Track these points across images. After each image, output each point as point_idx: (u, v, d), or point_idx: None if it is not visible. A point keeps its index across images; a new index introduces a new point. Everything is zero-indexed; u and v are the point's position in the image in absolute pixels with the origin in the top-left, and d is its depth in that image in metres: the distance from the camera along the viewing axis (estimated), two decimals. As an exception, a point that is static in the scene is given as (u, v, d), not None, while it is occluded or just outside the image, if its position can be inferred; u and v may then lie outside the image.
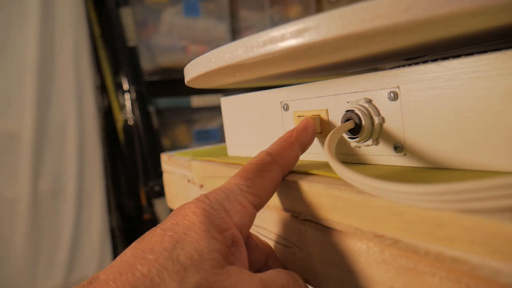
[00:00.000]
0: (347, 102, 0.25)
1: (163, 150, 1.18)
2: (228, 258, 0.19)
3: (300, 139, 0.25)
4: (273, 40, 0.20)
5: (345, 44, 0.19)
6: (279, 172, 0.23)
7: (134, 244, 0.19)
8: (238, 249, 0.20)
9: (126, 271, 0.17)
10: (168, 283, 0.17)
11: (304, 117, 0.27)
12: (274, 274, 0.20)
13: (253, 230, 0.29)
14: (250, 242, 0.24)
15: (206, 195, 0.21)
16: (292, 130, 0.26)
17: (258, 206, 0.22)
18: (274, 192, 0.23)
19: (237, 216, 0.20)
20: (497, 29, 0.20)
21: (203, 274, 0.17)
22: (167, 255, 0.17)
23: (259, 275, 0.20)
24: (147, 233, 0.20)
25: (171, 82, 1.29)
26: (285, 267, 0.26)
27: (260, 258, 0.24)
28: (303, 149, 0.26)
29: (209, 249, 0.18)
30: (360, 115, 0.24)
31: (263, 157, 0.23)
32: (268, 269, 0.24)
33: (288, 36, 0.19)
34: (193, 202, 0.20)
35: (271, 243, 0.27)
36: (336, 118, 0.26)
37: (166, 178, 0.48)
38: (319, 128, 0.27)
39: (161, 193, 1.15)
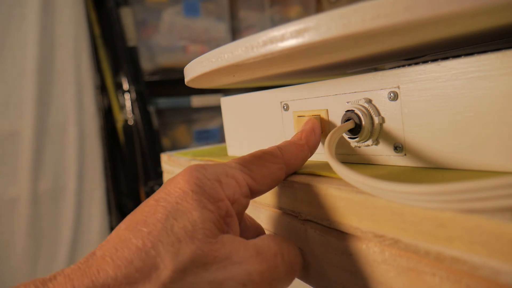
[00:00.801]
0: (347, 102, 0.25)
1: (163, 150, 1.18)
2: (221, 227, 0.19)
3: (310, 142, 0.25)
4: (273, 40, 0.20)
5: (345, 44, 0.19)
6: (282, 168, 0.23)
7: (128, 216, 0.19)
8: (231, 220, 0.20)
9: (122, 246, 0.17)
10: (163, 255, 0.17)
11: (309, 118, 0.27)
12: (267, 239, 0.21)
13: (253, 230, 0.29)
14: (241, 223, 0.23)
15: (202, 164, 0.20)
16: (302, 132, 0.25)
17: (254, 191, 0.21)
18: (273, 186, 0.23)
19: (230, 190, 0.20)
20: (497, 29, 0.20)
21: (198, 243, 0.17)
22: (161, 227, 0.17)
23: (253, 241, 0.20)
24: (141, 204, 0.20)
25: (171, 82, 1.29)
26: None
27: (251, 236, 0.24)
28: (312, 151, 0.25)
29: (202, 219, 0.18)
30: (360, 115, 0.24)
31: (272, 150, 0.23)
32: None
33: (288, 36, 0.19)
34: (186, 170, 0.20)
35: (271, 243, 0.27)
36: (336, 118, 0.26)
37: (166, 178, 0.48)
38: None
39: (161, 193, 1.15)
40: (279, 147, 0.23)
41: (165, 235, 0.17)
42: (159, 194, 0.19)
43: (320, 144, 0.28)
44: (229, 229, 0.19)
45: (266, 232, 0.27)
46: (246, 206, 0.21)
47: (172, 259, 0.17)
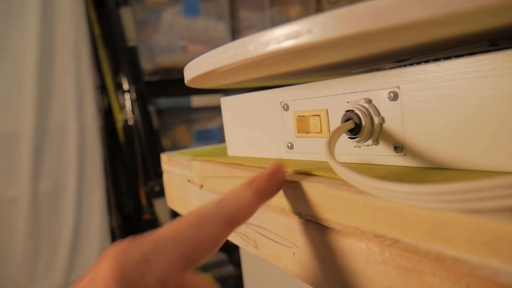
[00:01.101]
0: (347, 102, 0.25)
1: (163, 150, 1.18)
2: None
3: (260, 191, 0.22)
4: (273, 41, 0.20)
5: (342, 45, 0.19)
6: (223, 227, 0.20)
7: None
8: None
9: None
10: None
11: (277, 161, 0.24)
12: None
13: (253, 230, 0.29)
14: None
15: (127, 246, 0.18)
16: (253, 180, 0.22)
17: (194, 259, 0.19)
18: (215, 249, 0.20)
19: (160, 270, 0.18)
20: (497, 29, 0.20)
21: None
22: None
23: None
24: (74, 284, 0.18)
25: (171, 82, 1.29)
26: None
27: None
28: (263, 201, 0.22)
29: None
30: (360, 115, 0.24)
31: (209, 208, 0.21)
32: None
33: (288, 37, 0.19)
34: (109, 254, 0.18)
35: (271, 243, 0.27)
36: (336, 118, 0.26)
37: (166, 178, 0.48)
38: (319, 128, 0.27)
39: (161, 193, 1.15)
40: (219, 203, 0.21)
41: None
42: (86, 278, 0.18)
43: (320, 144, 0.28)
44: None
45: (266, 232, 0.27)
46: (183, 277, 0.19)
47: None
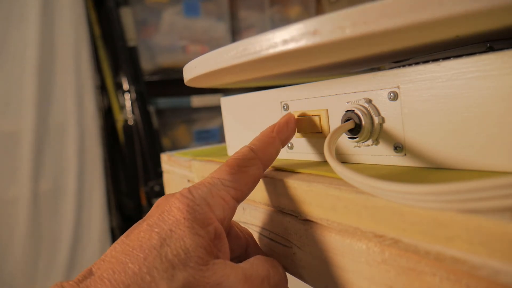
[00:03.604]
0: (347, 102, 0.25)
1: (163, 150, 1.18)
2: (212, 251, 0.20)
3: (281, 134, 0.26)
4: (273, 42, 0.20)
5: (344, 47, 0.19)
6: (260, 168, 0.24)
7: (122, 238, 0.20)
8: (221, 241, 0.21)
9: (119, 269, 0.18)
10: (158, 281, 0.18)
11: (288, 113, 0.28)
12: (255, 263, 0.22)
13: (253, 230, 0.29)
14: (232, 232, 0.25)
15: (189, 190, 0.21)
16: (274, 126, 0.26)
17: (240, 199, 0.23)
18: (255, 186, 0.24)
19: (219, 210, 0.21)
20: (497, 30, 0.20)
21: (190, 271, 0.18)
22: (156, 253, 0.18)
23: (241, 266, 0.21)
24: (134, 227, 0.21)
25: (171, 82, 1.29)
26: (264, 254, 0.27)
27: (240, 247, 0.25)
28: (283, 144, 0.26)
29: (194, 246, 0.19)
30: (360, 115, 0.24)
31: (246, 153, 0.24)
32: (248, 256, 0.25)
33: (287, 39, 0.19)
34: (177, 198, 0.21)
35: (271, 243, 0.27)
36: (336, 118, 0.26)
37: (166, 178, 0.48)
38: (319, 128, 0.27)
39: (161, 193, 1.15)
40: (252, 148, 0.24)
41: (159, 261, 0.18)
42: (152, 218, 0.20)
43: (320, 144, 0.28)
44: (218, 251, 0.20)
45: (266, 232, 0.27)
46: (233, 214, 0.23)
47: (166, 284, 0.18)
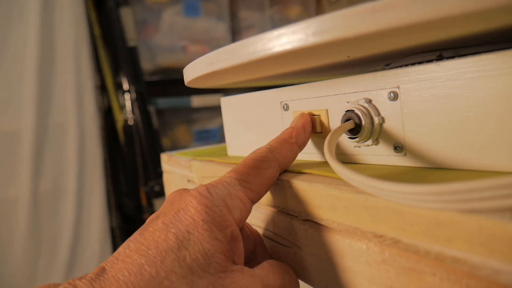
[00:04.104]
0: (347, 102, 0.25)
1: (163, 150, 1.18)
2: (229, 256, 0.19)
3: (299, 140, 0.25)
4: (273, 42, 0.20)
5: (346, 46, 0.19)
6: (277, 170, 0.24)
7: (136, 236, 0.19)
8: (237, 245, 0.20)
9: (135, 271, 0.17)
10: (177, 286, 0.17)
11: (301, 113, 0.27)
12: (270, 270, 0.21)
13: (253, 230, 0.29)
14: (243, 232, 0.24)
15: (207, 188, 0.21)
16: (292, 129, 0.26)
17: (255, 201, 0.22)
18: (270, 188, 0.24)
19: (237, 212, 0.21)
20: (498, 30, 0.20)
21: (210, 278, 0.18)
22: (174, 257, 0.18)
23: (258, 273, 0.20)
24: (148, 224, 0.20)
25: (171, 82, 1.29)
26: (270, 256, 0.26)
27: (249, 247, 0.25)
28: (301, 148, 0.26)
29: (213, 251, 0.18)
30: (360, 115, 0.24)
31: (264, 154, 0.23)
32: (255, 257, 0.25)
33: (287, 39, 0.19)
34: (194, 196, 0.20)
35: (272, 243, 0.27)
36: (336, 118, 0.26)
37: (166, 178, 0.48)
38: (319, 128, 0.27)
39: (161, 193, 1.15)
40: (270, 149, 0.24)
41: (178, 266, 0.17)
42: (167, 217, 0.20)
43: (320, 144, 0.28)
44: (234, 254, 0.20)
45: (267, 232, 0.27)
46: (248, 215, 0.22)
47: None
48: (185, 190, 0.21)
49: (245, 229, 0.25)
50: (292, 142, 0.25)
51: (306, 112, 0.28)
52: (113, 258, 0.18)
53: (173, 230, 0.19)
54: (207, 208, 0.19)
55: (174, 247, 0.18)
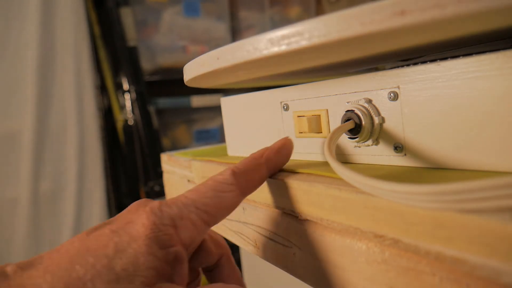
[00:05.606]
0: (347, 102, 0.25)
1: (163, 150, 1.18)
2: (164, 275, 0.19)
3: (270, 162, 0.24)
4: (274, 42, 0.20)
5: (343, 47, 0.19)
6: (237, 195, 0.23)
7: (84, 235, 0.20)
8: (179, 265, 0.20)
9: (66, 267, 0.18)
10: None
11: (285, 137, 0.27)
12: None
13: (253, 230, 0.29)
14: (204, 246, 0.25)
15: (160, 207, 0.21)
16: (265, 149, 0.25)
17: (211, 224, 0.22)
18: (230, 212, 0.23)
19: (185, 233, 0.20)
20: (499, 30, 0.20)
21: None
22: (106, 262, 0.18)
23: None
24: (100, 226, 0.20)
25: (171, 82, 1.29)
26: (237, 270, 0.27)
27: (210, 260, 0.25)
28: (271, 172, 0.25)
29: (146, 265, 0.18)
30: (360, 115, 0.24)
31: (226, 176, 0.23)
32: (219, 267, 0.26)
33: (287, 39, 0.19)
34: (146, 212, 0.20)
35: (271, 243, 0.27)
36: (336, 118, 0.26)
37: (166, 178, 0.48)
38: (319, 128, 0.27)
39: (161, 193, 1.15)
40: (234, 172, 0.23)
41: (106, 272, 0.18)
42: (116, 225, 0.20)
43: (320, 144, 0.28)
44: (173, 274, 0.20)
45: (266, 232, 0.27)
46: (203, 237, 0.22)
47: None
48: (145, 203, 0.21)
49: (206, 243, 0.25)
50: (260, 162, 0.24)
51: (308, 114, 0.28)
52: (55, 250, 0.19)
53: (116, 239, 0.19)
54: (154, 225, 0.20)
55: (110, 254, 0.18)
